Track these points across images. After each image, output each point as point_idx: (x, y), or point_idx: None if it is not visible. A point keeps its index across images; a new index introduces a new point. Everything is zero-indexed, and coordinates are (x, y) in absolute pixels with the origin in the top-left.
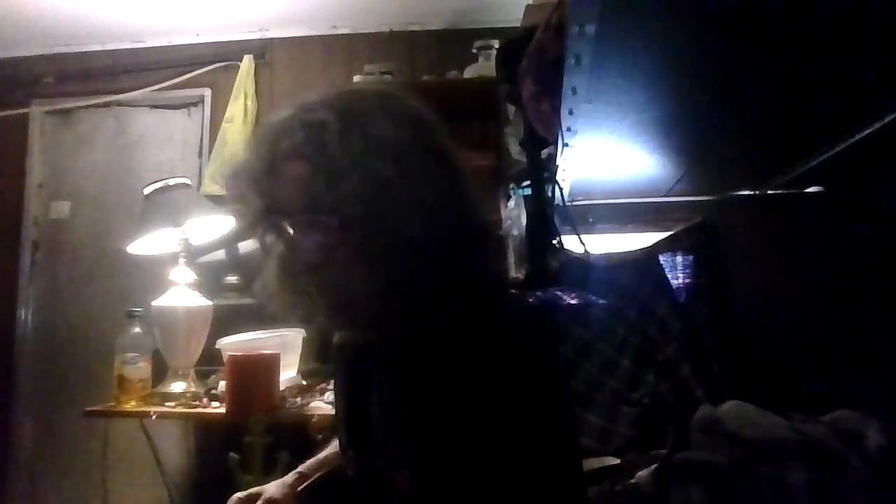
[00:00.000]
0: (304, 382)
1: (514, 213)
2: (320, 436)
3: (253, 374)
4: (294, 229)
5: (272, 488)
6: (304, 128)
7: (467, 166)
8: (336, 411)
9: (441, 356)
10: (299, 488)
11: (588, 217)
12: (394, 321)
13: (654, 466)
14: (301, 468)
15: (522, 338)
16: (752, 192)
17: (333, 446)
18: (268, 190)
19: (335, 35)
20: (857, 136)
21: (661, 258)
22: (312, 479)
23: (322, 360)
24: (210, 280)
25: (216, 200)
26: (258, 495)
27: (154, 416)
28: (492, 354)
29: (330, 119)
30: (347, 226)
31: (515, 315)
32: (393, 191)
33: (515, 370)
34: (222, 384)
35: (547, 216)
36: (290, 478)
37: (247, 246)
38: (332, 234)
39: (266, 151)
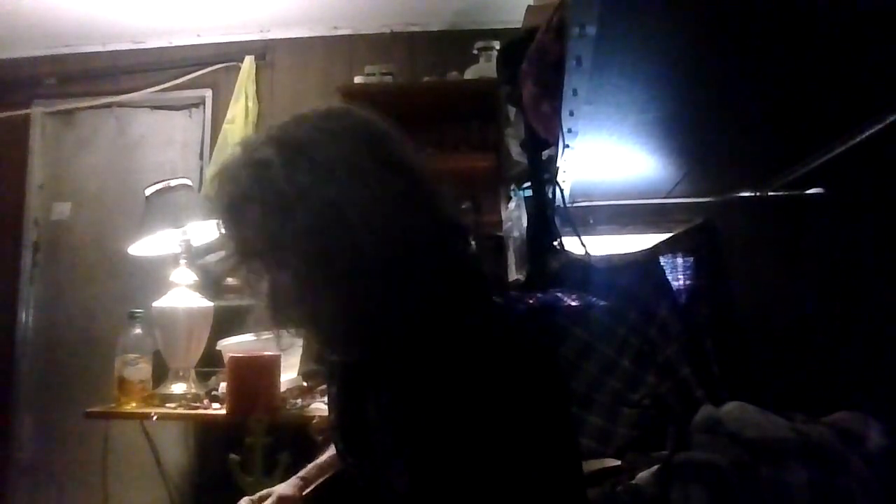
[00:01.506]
0: (305, 384)
1: (514, 215)
2: (320, 437)
3: (253, 376)
4: (266, 269)
5: (281, 488)
6: (250, 169)
7: (430, 168)
8: (329, 419)
9: (432, 361)
10: (305, 492)
11: (589, 218)
12: (382, 338)
13: (655, 467)
14: (302, 473)
15: (519, 335)
16: (752, 194)
17: (332, 449)
18: (234, 234)
19: (336, 36)
20: (858, 138)
21: (662, 259)
22: (317, 483)
23: (322, 362)
24: (210, 281)
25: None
26: (268, 496)
27: (155, 418)
28: (488, 354)
29: (272, 156)
30: (308, 258)
31: (509, 312)
32: (346, 212)
33: (514, 368)
34: (223, 385)
35: (547, 218)
36: (294, 481)
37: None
38: (298, 268)
39: (223, 198)
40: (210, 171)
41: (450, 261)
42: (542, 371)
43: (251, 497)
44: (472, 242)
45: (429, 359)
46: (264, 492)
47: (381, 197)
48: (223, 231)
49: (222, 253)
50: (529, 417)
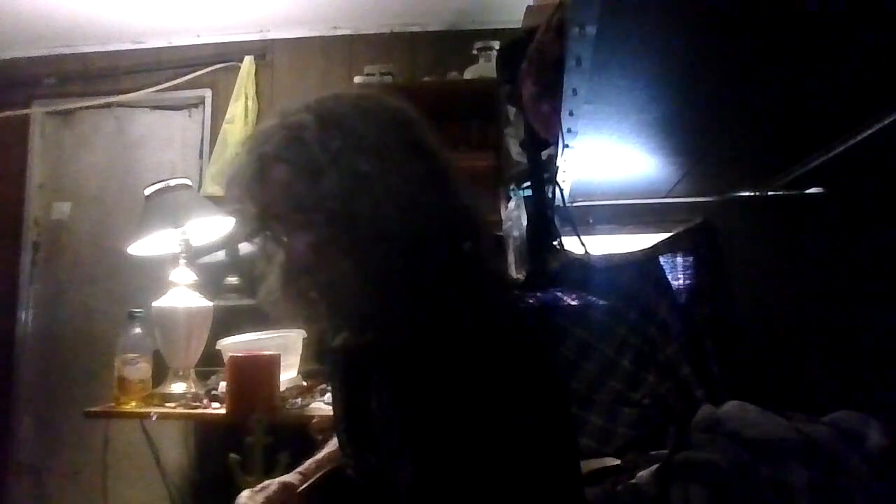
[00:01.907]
0: (305, 383)
1: (514, 215)
2: (320, 436)
3: (253, 375)
4: (287, 233)
5: (282, 477)
6: (284, 131)
7: (454, 162)
8: (334, 412)
9: (436, 355)
10: (301, 488)
11: (588, 218)
12: (392, 318)
13: (654, 466)
14: (300, 469)
15: (521, 334)
16: (752, 193)
17: (331, 446)
18: (258, 196)
19: (336, 36)
20: (858, 137)
21: (662, 259)
22: (313, 479)
23: (322, 362)
24: (210, 281)
25: (217, 201)
26: (269, 485)
27: (154, 417)
28: (491, 351)
29: (308, 121)
30: (332, 222)
31: (513, 311)
32: (373, 184)
33: (515, 367)
34: (223, 385)
35: (547, 217)
36: (293, 475)
37: (247, 247)
38: (320, 232)
39: (252, 158)
40: (210, 170)
41: (463, 251)
42: (545, 368)
43: (252, 489)
44: (487, 238)
45: (432, 352)
46: (265, 483)
47: (406, 176)
48: (248, 191)
49: (222, 253)
50: (530, 414)
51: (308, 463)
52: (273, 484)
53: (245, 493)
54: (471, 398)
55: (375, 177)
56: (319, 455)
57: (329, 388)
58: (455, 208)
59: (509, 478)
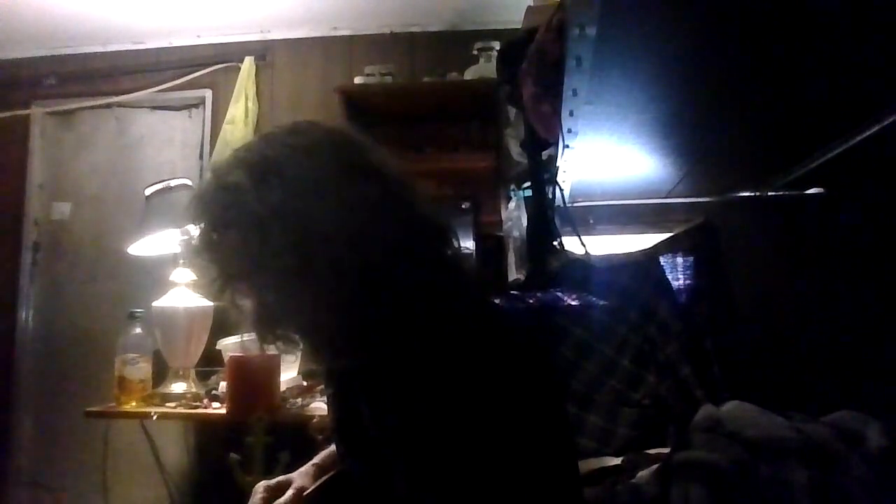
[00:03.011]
0: (305, 383)
1: (514, 215)
2: (321, 436)
3: (253, 375)
4: (250, 290)
5: (300, 478)
6: (221, 195)
7: (404, 172)
8: (330, 423)
9: (421, 364)
10: (309, 490)
11: (588, 218)
12: (371, 343)
13: (654, 466)
14: (316, 460)
15: (499, 334)
16: (752, 194)
17: None
18: (214, 262)
19: (336, 36)
20: (858, 138)
21: (662, 259)
22: (319, 482)
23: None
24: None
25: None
26: (287, 483)
27: (155, 417)
28: (465, 356)
29: (242, 179)
30: (289, 273)
31: (489, 312)
32: (321, 223)
33: (493, 370)
34: (223, 385)
35: (547, 217)
36: (308, 469)
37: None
38: (282, 286)
39: (201, 227)
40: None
41: (430, 262)
42: (530, 368)
43: (268, 482)
44: (455, 242)
45: (417, 362)
46: (282, 478)
47: (355, 205)
48: (204, 257)
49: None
50: (524, 414)
51: (323, 454)
52: (291, 488)
53: (260, 485)
54: (457, 402)
55: (322, 216)
56: (334, 447)
57: (326, 393)
58: (413, 221)
59: (506, 480)
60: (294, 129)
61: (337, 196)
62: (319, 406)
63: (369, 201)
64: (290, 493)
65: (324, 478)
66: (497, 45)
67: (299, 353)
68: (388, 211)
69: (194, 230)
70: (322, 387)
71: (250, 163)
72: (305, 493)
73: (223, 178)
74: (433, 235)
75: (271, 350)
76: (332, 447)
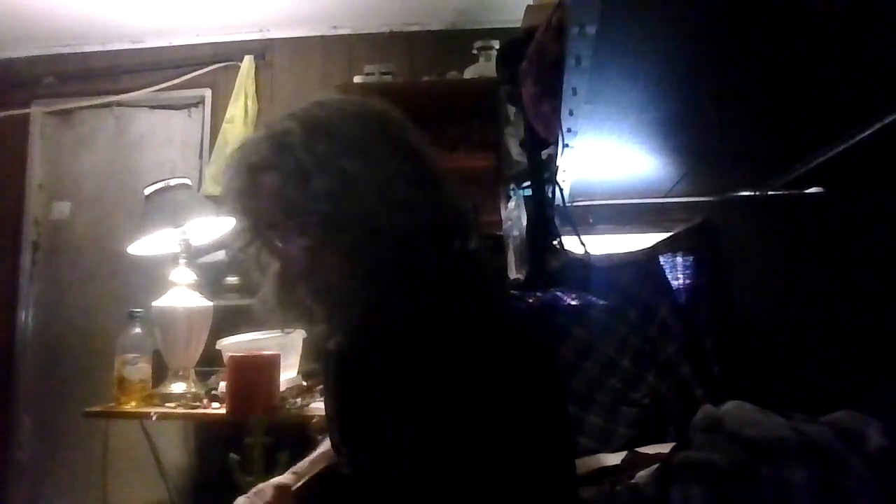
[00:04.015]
0: (305, 383)
1: (514, 214)
2: (320, 436)
3: (253, 375)
4: (281, 239)
5: (276, 480)
6: (270, 140)
7: (441, 161)
8: (326, 412)
9: (429, 353)
10: (295, 486)
11: (588, 218)
12: (386, 318)
13: (654, 466)
14: (294, 468)
15: (514, 331)
16: (752, 193)
17: (325, 445)
18: (250, 206)
19: (335, 35)
20: (857, 137)
21: (662, 259)
22: (307, 477)
23: (320, 356)
24: (210, 281)
25: (216, 201)
26: (264, 490)
27: (154, 417)
28: (484, 348)
29: (293, 127)
30: (324, 225)
31: (506, 308)
32: (361, 185)
33: (508, 363)
34: (223, 385)
35: (547, 217)
36: (287, 476)
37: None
38: (313, 235)
39: (241, 169)
40: (210, 170)
41: (455, 250)
42: (539, 365)
43: (246, 494)
44: (476, 238)
45: (425, 351)
46: (258, 486)
47: (393, 175)
48: (239, 203)
49: (222, 253)
50: (522, 409)
51: (302, 463)
52: (268, 488)
53: (238, 501)
54: (463, 394)
55: (363, 177)
56: (313, 454)
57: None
58: (444, 206)
59: (504, 472)
60: (345, 99)
61: (378, 165)
62: (319, 406)
63: (408, 177)
64: (270, 491)
65: (311, 473)
66: (497, 45)
67: (300, 353)
68: (421, 191)
69: (235, 168)
70: (321, 386)
71: (302, 118)
72: (294, 488)
73: (274, 126)
74: (459, 224)
75: (285, 318)
76: (312, 455)
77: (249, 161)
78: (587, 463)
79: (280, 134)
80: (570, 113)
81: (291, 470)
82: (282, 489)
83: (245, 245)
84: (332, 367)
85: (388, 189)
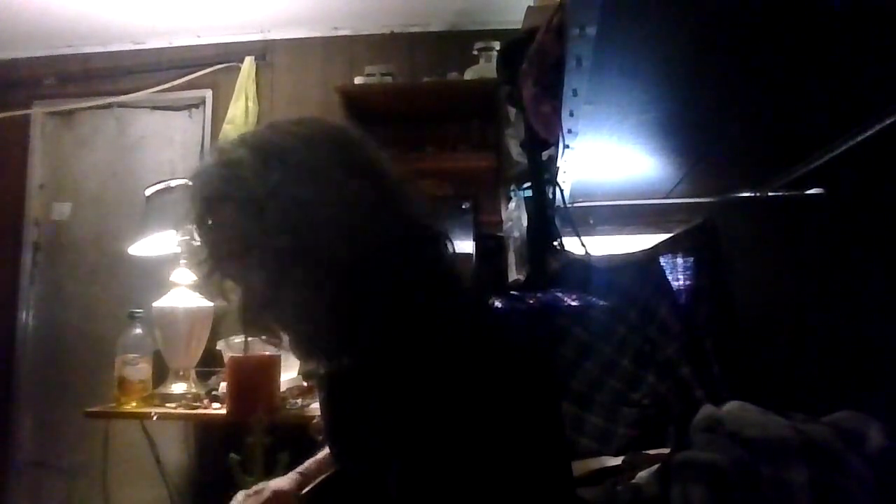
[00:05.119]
0: (305, 383)
1: (514, 215)
2: (320, 436)
3: (254, 376)
4: (239, 271)
5: (276, 481)
6: (222, 170)
7: (401, 175)
8: (323, 424)
9: (406, 365)
10: (304, 490)
11: (589, 218)
12: (356, 341)
13: (654, 466)
14: (301, 469)
15: (491, 335)
16: (752, 194)
17: None
18: (206, 239)
19: (336, 36)
20: (858, 138)
21: (662, 260)
22: (316, 482)
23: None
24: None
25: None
26: (265, 489)
27: (155, 418)
28: (460, 356)
29: (244, 155)
30: (281, 255)
31: (486, 314)
32: (316, 211)
33: (480, 371)
34: (223, 385)
35: (548, 218)
36: (292, 476)
37: None
38: (271, 266)
39: (195, 203)
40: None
41: (420, 264)
42: (521, 370)
43: (247, 490)
44: (450, 245)
45: (403, 363)
46: (259, 485)
47: (350, 200)
48: (197, 233)
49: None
50: (510, 418)
51: (308, 463)
52: (267, 490)
53: (240, 496)
54: (448, 408)
55: (318, 203)
56: (321, 455)
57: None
58: (409, 218)
59: (497, 481)
60: (300, 121)
61: (334, 189)
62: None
63: (364, 199)
64: (267, 493)
65: (320, 478)
66: (497, 45)
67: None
68: (382, 210)
69: (190, 201)
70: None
71: (254, 144)
72: (304, 492)
73: (226, 155)
74: (426, 238)
75: (259, 340)
76: (320, 455)
77: (203, 194)
78: (588, 463)
79: (232, 163)
80: (571, 114)
81: (297, 470)
82: (281, 494)
83: (207, 274)
84: (323, 380)
85: (343, 214)
